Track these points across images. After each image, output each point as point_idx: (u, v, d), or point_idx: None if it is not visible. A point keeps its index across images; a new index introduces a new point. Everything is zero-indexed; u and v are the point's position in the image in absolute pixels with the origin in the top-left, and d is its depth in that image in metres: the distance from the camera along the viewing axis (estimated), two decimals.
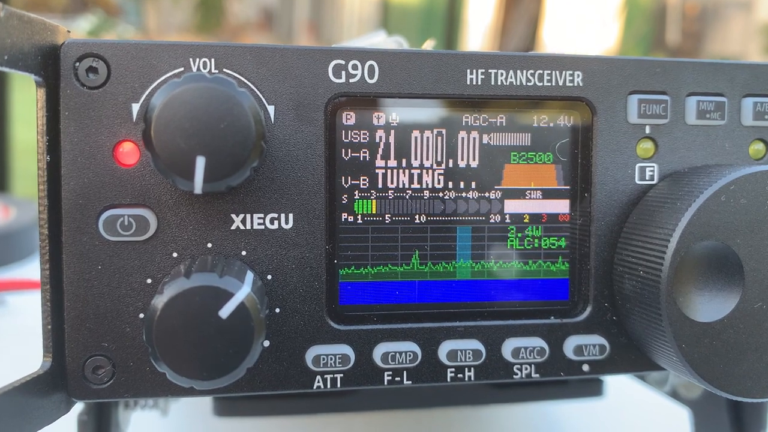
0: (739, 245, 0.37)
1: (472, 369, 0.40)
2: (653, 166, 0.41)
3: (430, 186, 0.40)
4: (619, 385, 0.63)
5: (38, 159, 0.36)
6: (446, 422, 0.65)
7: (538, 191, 0.41)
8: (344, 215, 0.39)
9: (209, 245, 0.37)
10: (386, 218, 0.40)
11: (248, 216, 0.38)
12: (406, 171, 0.40)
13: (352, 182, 0.39)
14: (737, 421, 0.53)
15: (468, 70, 0.39)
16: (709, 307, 0.37)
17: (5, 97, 1.63)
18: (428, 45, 0.61)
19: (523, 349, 0.40)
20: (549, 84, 0.40)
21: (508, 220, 0.41)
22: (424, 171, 0.40)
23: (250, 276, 0.35)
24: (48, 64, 0.35)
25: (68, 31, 0.37)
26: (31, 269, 1.03)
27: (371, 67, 0.38)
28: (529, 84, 0.40)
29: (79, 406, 0.42)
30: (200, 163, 0.32)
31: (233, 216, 0.38)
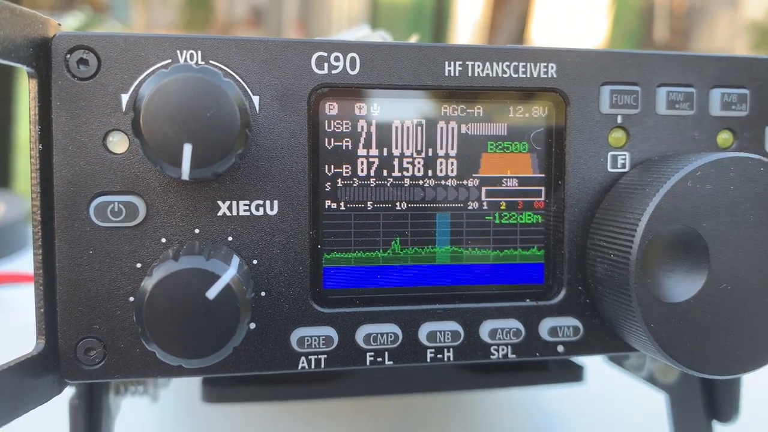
0: (704, 229, 0.38)
1: (451, 350, 0.42)
2: (625, 155, 0.43)
3: (410, 174, 0.41)
4: (598, 370, 0.65)
5: (30, 148, 0.37)
6: (429, 408, 0.67)
7: (514, 179, 0.42)
8: (327, 202, 0.41)
9: (197, 231, 0.39)
10: (368, 205, 0.41)
11: (234, 203, 0.39)
12: (387, 159, 0.41)
13: (335, 170, 0.41)
14: (711, 405, 0.55)
15: (446, 62, 0.41)
16: (677, 288, 0.39)
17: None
18: (412, 40, 0.62)
19: (499, 330, 0.42)
20: (524, 76, 0.41)
21: (485, 207, 0.42)
22: (405, 159, 0.41)
23: (236, 260, 0.37)
24: (40, 55, 0.36)
25: (59, 24, 0.38)
26: (22, 264, 1.04)
27: (353, 59, 0.40)
28: (504, 76, 0.41)
29: (70, 392, 0.44)
30: (187, 150, 0.34)
31: (220, 203, 0.39)
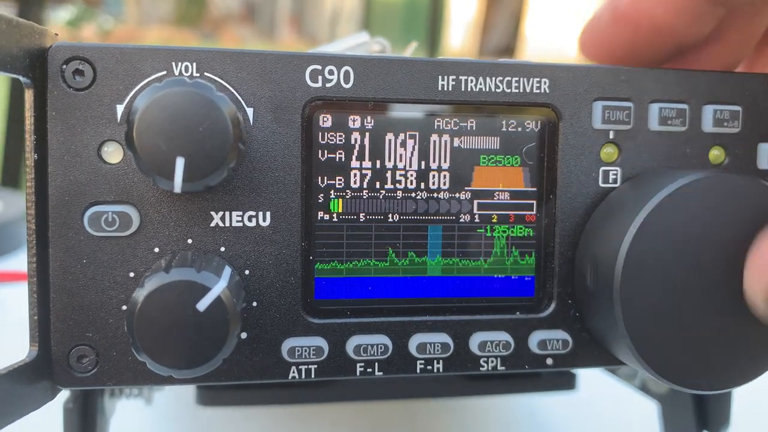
0: (691, 244, 0.38)
1: (441, 361, 0.42)
2: (616, 170, 0.43)
3: (403, 186, 0.42)
4: (591, 379, 0.65)
5: (26, 157, 0.37)
6: (423, 413, 0.67)
7: (506, 193, 0.43)
8: (320, 213, 0.41)
9: (189, 241, 0.39)
10: (361, 217, 0.41)
11: (227, 213, 0.39)
12: (380, 172, 0.41)
13: (328, 182, 0.41)
14: (702, 415, 0.55)
15: (440, 77, 0.41)
16: (663, 303, 0.39)
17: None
18: (410, 48, 0.63)
19: (489, 342, 0.42)
20: (517, 90, 0.42)
21: (477, 220, 0.43)
22: (398, 172, 0.42)
23: (227, 271, 0.37)
24: (36, 66, 0.37)
25: (56, 34, 0.39)
26: (18, 262, 1.03)
27: (347, 72, 0.40)
28: (497, 90, 0.41)
29: (65, 395, 0.44)
30: (180, 163, 0.34)
31: (213, 213, 0.39)
